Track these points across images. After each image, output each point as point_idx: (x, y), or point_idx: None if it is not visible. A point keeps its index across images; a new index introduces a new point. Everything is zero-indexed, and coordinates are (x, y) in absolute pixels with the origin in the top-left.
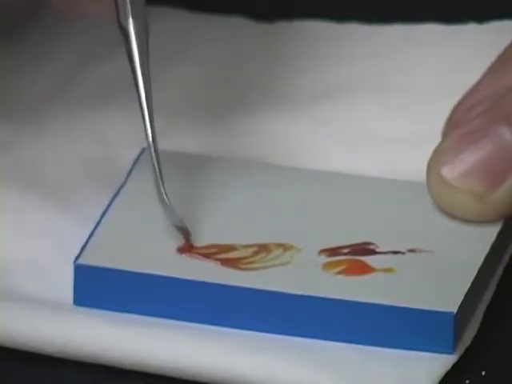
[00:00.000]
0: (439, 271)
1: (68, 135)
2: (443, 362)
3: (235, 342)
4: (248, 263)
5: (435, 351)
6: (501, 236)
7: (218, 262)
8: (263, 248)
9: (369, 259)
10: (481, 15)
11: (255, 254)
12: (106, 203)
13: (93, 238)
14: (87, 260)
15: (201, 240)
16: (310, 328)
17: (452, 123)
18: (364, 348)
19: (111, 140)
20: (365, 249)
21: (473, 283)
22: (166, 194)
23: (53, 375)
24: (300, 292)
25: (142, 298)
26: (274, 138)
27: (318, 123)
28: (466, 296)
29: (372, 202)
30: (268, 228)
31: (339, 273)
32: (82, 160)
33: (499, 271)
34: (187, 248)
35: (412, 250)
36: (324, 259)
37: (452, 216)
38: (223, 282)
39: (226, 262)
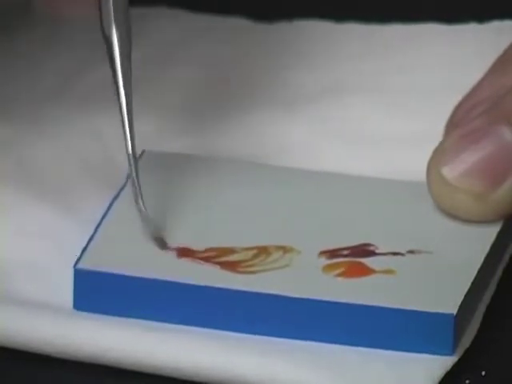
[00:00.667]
0: (439, 272)
1: (68, 136)
2: (443, 362)
3: (235, 342)
4: (248, 266)
5: (435, 353)
6: (501, 236)
7: (218, 266)
8: (263, 250)
9: (368, 261)
10: (481, 15)
11: (255, 256)
12: (106, 205)
13: (93, 242)
14: (87, 264)
15: (200, 243)
16: (310, 331)
17: (453, 123)
18: (364, 349)
19: (111, 141)
20: (364, 250)
21: (473, 284)
22: (142, 200)
23: (52, 375)
24: (300, 295)
25: (142, 302)
26: (274, 138)
27: (318, 123)
28: (465, 297)
29: (371, 203)
30: (267, 230)
31: (339, 275)
32: (82, 161)
33: (499, 271)
34: (187, 252)
35: (411, 251)
36: (324, 261)
37: (452, 216)
38: (223, 285)
39: (226, 266)
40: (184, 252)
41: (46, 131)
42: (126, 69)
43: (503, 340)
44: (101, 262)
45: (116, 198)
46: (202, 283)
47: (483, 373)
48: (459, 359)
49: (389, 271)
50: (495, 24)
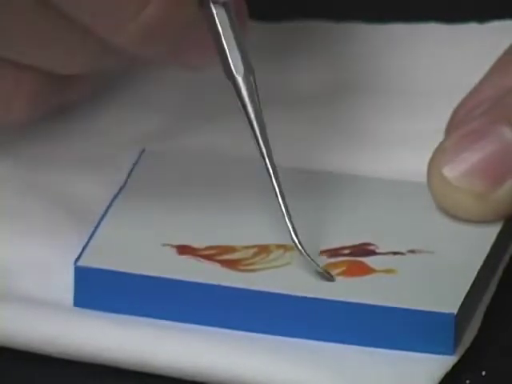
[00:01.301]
0: (439, 272)
1: (68, 135)
2: (443, 362)
3: (235, 342)
4: (248, 264)
5: (436, 352)
6: (501, 236)
7: (218, 264)
8: (263, 249)
9: (369, 260)
10: (482, 15)
11: (255, 255)
12: (107, 203)
13: (93, 240)
14: (87, 262)
15: (200, 241)
16: (310, 329)
17: (454, 124)
18: (364, 349)
19: (111, 140)
20: (365, 249)
21: (473, 284)
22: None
23: (52, 375)
24: (300, 293)
25: (143, 300)
26: (273, 138)
27: (318, 123)
28: (466, 297)
29: (372, 203)
30: (268, 229)
31: (339, 274)
32: (82, 160)
33: (499, 271)
34: (187, 250)
35: (412, 251)
36: (324, 260)
37: (452, 216)
38: (223, 283)
39: (226, 264)
40: (184, 249)
41: (46, 131)
42: (257, 111)
43: (503, 340)
44: (101, 259)
45: (116, 196)
46: (202, 281)
47: (483, 373)
48: (459, 359)
49: (389, 271)
50: (495, 24)
